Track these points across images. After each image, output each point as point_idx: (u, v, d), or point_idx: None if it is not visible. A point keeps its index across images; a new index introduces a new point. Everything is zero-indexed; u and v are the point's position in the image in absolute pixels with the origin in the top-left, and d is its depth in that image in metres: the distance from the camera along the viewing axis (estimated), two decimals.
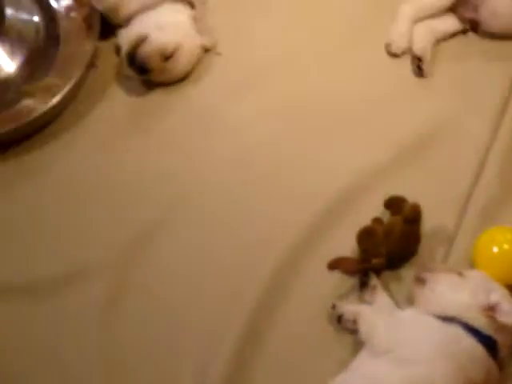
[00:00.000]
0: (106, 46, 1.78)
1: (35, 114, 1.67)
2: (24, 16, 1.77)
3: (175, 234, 1.57)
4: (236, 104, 1.74)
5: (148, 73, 1.69)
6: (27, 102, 1.71)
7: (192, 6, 1.78)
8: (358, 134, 1.68)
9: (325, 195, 1.59)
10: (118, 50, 1.75)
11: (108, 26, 1.77)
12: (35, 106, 1.70)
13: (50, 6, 1.82)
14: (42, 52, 1.75)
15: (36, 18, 1.77)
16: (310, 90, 1.75)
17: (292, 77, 1.77)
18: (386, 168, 1.61)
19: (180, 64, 1.72)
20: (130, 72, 1.71)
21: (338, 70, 1.78)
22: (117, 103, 1.74)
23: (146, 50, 1.67)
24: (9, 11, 1.74)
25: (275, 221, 1.56)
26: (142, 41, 1.68)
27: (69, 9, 1.82)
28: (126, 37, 1.72)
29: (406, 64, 1.76)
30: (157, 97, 1.74)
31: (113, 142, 1.69)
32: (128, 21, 1.74)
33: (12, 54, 1.72)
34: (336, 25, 1.85)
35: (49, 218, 1.61)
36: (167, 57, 1.69)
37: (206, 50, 1.77)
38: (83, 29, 1.78)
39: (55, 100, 1.67)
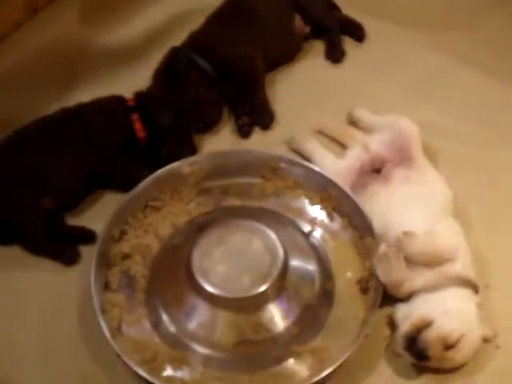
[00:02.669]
0: (378, 314, 1.63)
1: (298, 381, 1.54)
2: (304, 268, 1.67)
3: None
4: None
5: (425, 359, 1.56)
6: (291, 364, 1.58)
7: (476, 290, 1.66)
8: None
9: None
10: (391, 323, 1.64)
11: None
12: (299, 370, 1.57)
13: (327, 260, 1.73)
14: (314, 310, 1.64)
15: (314, 271, 1.68)
16: None
17: None
18: None
19: (460, 354, 1.57)
20: (403, 351, 1.59)
21: None
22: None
23: (428, 336, 1.54)
24: (293, 262, 1.65)
25: None
26: (426, 325, 1.56)
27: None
28: (405, 315, 1.61)
29: None
30: None
31: None
32: (409, 296, 1.64)
33: (287, 310, 1.61)
34: None
35: None
36: (449, 346, 1.56)
37: (485, 341, 1.63)
38: (357, 292, 1.69)
39: (326, 371, 1.51)
